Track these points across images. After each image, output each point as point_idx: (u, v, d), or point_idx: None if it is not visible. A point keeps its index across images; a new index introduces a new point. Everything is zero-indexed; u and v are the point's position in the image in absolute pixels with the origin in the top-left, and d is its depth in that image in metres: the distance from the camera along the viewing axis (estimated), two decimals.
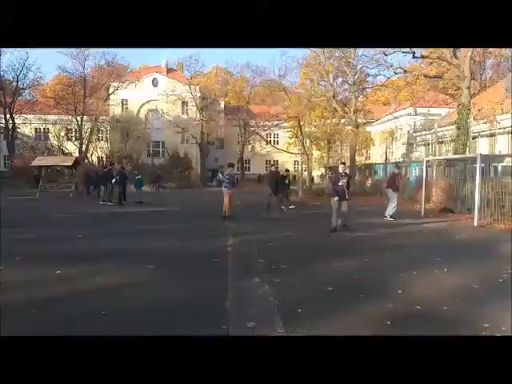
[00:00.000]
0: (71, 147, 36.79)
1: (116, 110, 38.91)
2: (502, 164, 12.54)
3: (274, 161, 46.41)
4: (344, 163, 10.41)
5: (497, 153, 16.31)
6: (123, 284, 4.53)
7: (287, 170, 20.09)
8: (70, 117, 35.61)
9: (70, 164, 21.99)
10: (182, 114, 40.31)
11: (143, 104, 41.20)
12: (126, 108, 40.68)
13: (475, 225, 10.08)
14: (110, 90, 37.90)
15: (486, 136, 18.92)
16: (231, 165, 11.98)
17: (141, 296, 4.11)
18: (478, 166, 10.49)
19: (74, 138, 37.80)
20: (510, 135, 15.17)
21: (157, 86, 40.53)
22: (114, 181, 15.98)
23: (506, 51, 38.14)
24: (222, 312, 3.60)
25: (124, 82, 37.79)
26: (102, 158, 36.97)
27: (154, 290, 4.33)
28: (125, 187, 16.12)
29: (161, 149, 41.79)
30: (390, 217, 10.99)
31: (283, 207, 13.57)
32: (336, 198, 8.81)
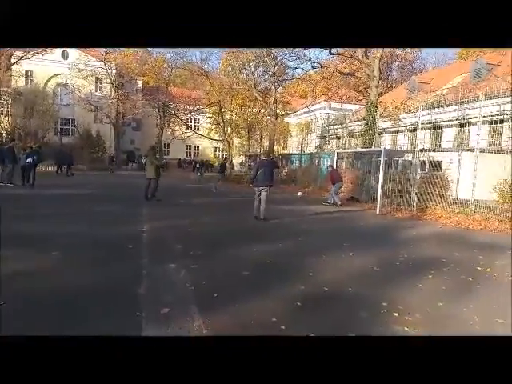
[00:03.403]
0: None
1: (19, 81, 35.02)
2: (402, 159, 13.85)
3: (195, 146, 45.90)
4: (267, 152, 10.74)
5: (398, 148, 17.94)
6: (22, 272, 4.14)
7: (225, 158, 23.15)
8: None
9: None
10: (96, 91, 37.72)
11: (51, 77, 37.73)
12: (31, 80, 36.88)
13: (377, 213, 11.06)
14: (12, 60, 33.95)
15: (390, 132, 20.69)
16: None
17: (42, 285, 3.81)
18: (382, 159, 11.47)
19: None
20: (409, 133, 16.78)
21: (67, 59, 37.33)
22: (29, 160, 14.41)
23: (410, 55, 41.85)
24: (135, 299, 3.51)
25: (29, 52, 34.08)
26: (0, 133, 33.15)
27: (58, 278, 4.03)
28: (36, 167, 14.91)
29: (70, 127, 38.78)
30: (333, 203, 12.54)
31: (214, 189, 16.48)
32: (255, 186, 8.96)
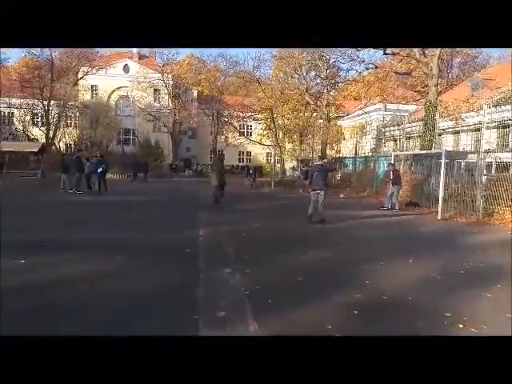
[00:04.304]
0: (37, 133, 35.37)
1: (85, 95, 37.66)
2: (465, 160, 13.03)
3: (247, 152, 46.45)
4: (321, 157, 10.70)
5: (461, 149, 16.93)
6: (89, 275, 4.42)
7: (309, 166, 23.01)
8: (35, 101, 34.15)
9: (35, 150, 21.20)
10: (154, 101, 39.49)
11: (114, 90, 40.04)
12: (96, 94, 39.44)
13: (439, 218, 10.48)
14: (79, 75, 36.61)
15: (451, 133, 19.58)
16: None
17: (107, 286, 4.04)
18: (442, 161, 10.88)
19: (40, 124, 36.34)
20: (473, 133, 15.79)
21: (128, 73, 39.45)
22: (100, 170, 15.76)
23: (472, 51, 39.49)
24: (193, 302, 3.62)
25: (94, 67, 36.57)
26: (70, 144, 35.80)
27: (121, 281, 4.27)
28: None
29: (131, 136, 40.88)
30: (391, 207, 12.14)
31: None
32: (311, 190, 9.13)
